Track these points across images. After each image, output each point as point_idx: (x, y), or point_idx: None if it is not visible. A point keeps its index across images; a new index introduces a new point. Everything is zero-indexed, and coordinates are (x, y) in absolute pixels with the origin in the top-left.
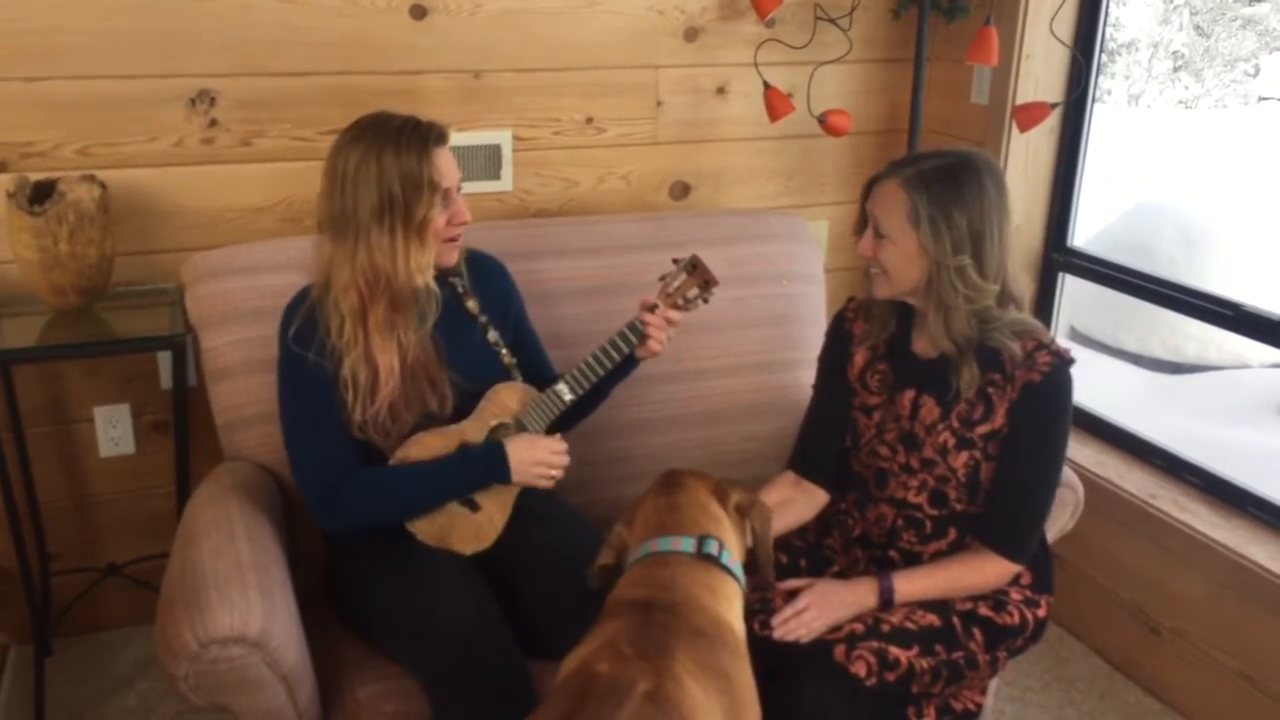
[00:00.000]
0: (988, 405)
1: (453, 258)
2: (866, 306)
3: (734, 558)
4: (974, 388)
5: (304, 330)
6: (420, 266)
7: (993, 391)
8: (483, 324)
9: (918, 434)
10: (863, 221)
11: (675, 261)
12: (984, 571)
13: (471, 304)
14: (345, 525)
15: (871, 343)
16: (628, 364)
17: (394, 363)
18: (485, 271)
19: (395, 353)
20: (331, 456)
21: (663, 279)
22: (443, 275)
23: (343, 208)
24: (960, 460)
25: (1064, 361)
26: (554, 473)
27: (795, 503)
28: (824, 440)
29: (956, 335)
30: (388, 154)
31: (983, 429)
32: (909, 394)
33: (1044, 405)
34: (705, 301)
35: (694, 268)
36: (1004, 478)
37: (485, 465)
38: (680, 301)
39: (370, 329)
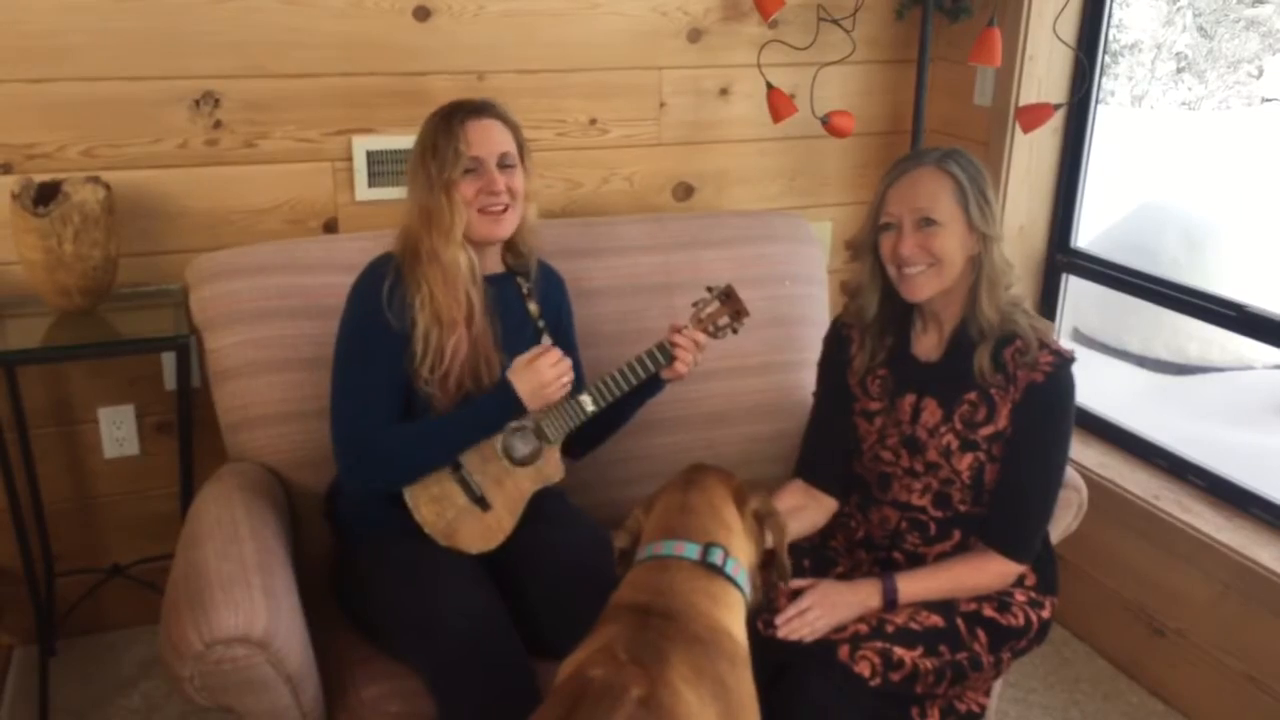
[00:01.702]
0: (990, 406)
1: (495, 231)
2: (861, 323)
3: (739, 566)
4: (986, 376)
5: (391, 292)
6: (450, 232)
7: (995, 392)
8: (539, 328)
9: (920, 437)
10: (875, 229)
11: (709, 289)
12: (987, 572)
13: (533, 306)
14: (368, 478)
15: (871, 354)
16: (653, 385)
17: (458, 317)
18: (549, 281)
19: (459, 307)
20: (376, 416)
21: (695, 305)
22: (510, 273)
23: (408, 180)
24: (965, 462)
25: (1065, 360)
26: (565, 380)
27: (807, 509)
28: (829, 448)
29: (1000, 310)
30: (430, 128)
31: (986, 430)
32: (909, 398)
33: (1047, 405)
34: (735, 331)
35: (727, 297)
36: (1007, 478)
37: (495, 401)
38: (711, 328)
39: (437, 289)
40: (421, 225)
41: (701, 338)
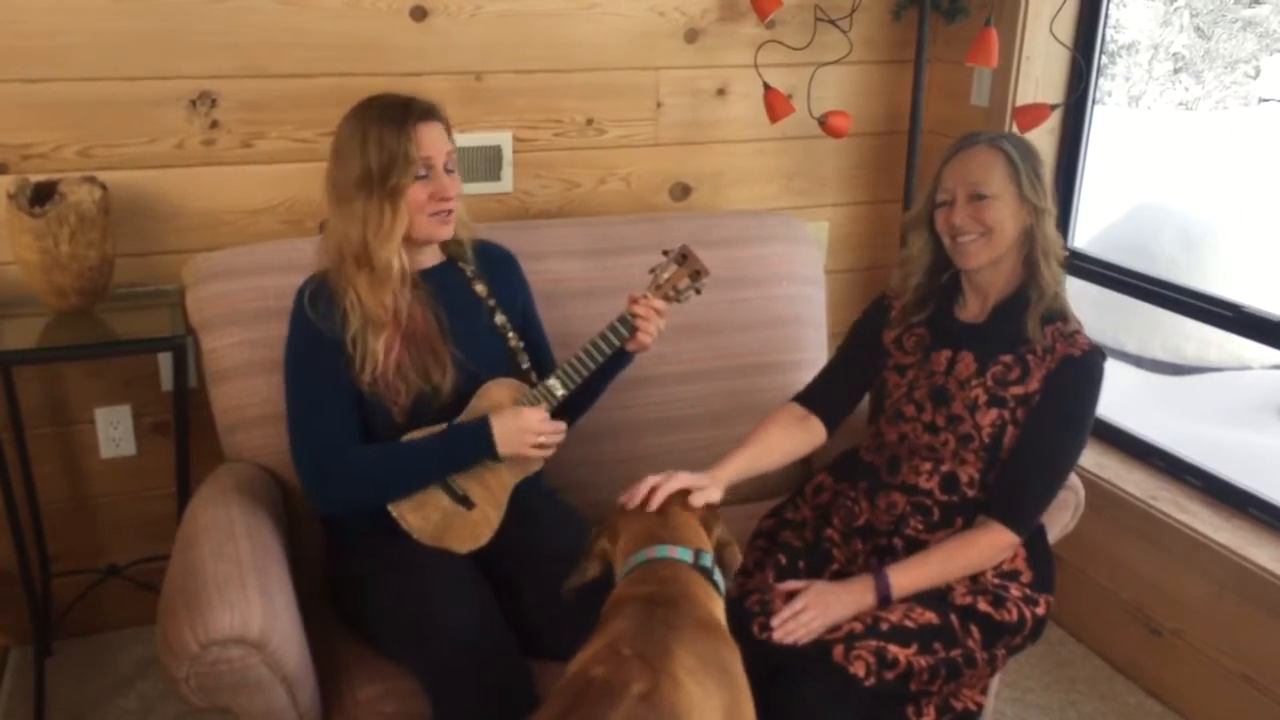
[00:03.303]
0: (1025, 369)
1: (442, 233)
2: (904, 289)
3: (720, 577)
4: (1033, 335)
5: (315, 298)
6: (390, 235)
7: (1031, 359)
8: (490, 307)
9: (950, 388)
10: (930, 204)
11: (665, 253)
12: (979, 545)
13: (480, 287)
14: (335, 501)
15: (910, 312)
16: (619, 359)
17: (386, 318)
18: (494, 259)
19: (386, 309)
20: (330, 432)
21: (653, 271)
22: (451, 261)
23: (336, 179)
24: (988, 418)
25: (1100, 351)
26: (542, 440)
27: (793, 439)
28: (836, 382)
29: (1056, 279)
30: (372, 127)
31: (1016, 390)
32: (946, 353)
33: (1078, 381)
34: (698, 292)
35: (684, 258)
36: (1024, 446)
37: (471, 440)
38: (671, 293)
39: (363, 291)
40: (354, 230)
41: (661, 304)
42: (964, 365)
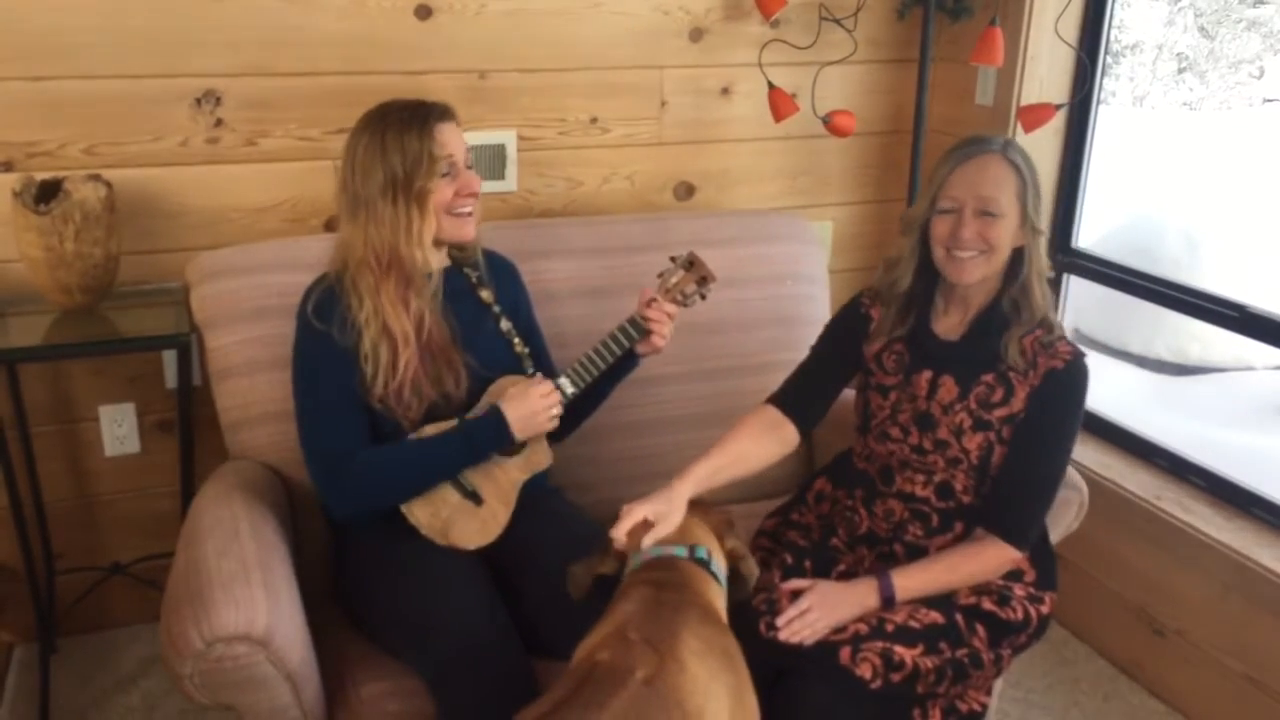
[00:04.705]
0: (1008, 388)
1: (469, 232)
2: (890, 295)
3: (722, 571)
4: (1014, 360)
5: (322, 307)
6: (420, 238)
7: (1014, 376)
8: (496, 313)
9: (934, 414)
10: (931, 210)
11: (673, 259)
12: (982, 558)
13: (485, 294)
14: (351, 503)
15: (891, 327)
16: (629, 360)
17: (409, 330)
18: (498, 267)
19: (409, 321)
20: (340, 434)
21: (661, 275)
22: (457, 265)
23: (355, 190)
24: (975, 442)
25: (1081, 352)
26: (554, 412)
27: (763, 449)
28: (810, 385)
29: (1047, 302)
30: (391, 133)
31: (1001, 411)
32: (926, 374)
33: (1064, 392)
34: (703, 298)
35: (691, 264)
36: (1015, 462)
37: (486, 432)
38: (679, 297)
39: (383, 302)
40: (381, 237)
41: (671, 308)
42: (946, 389)
